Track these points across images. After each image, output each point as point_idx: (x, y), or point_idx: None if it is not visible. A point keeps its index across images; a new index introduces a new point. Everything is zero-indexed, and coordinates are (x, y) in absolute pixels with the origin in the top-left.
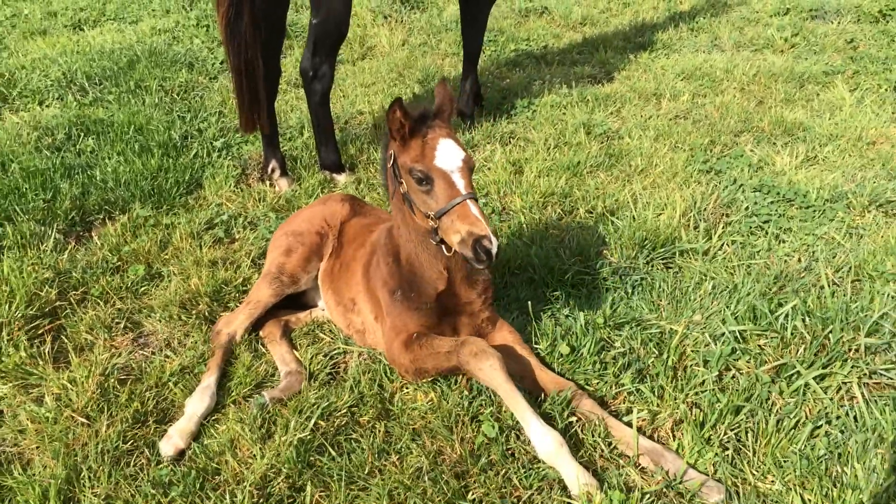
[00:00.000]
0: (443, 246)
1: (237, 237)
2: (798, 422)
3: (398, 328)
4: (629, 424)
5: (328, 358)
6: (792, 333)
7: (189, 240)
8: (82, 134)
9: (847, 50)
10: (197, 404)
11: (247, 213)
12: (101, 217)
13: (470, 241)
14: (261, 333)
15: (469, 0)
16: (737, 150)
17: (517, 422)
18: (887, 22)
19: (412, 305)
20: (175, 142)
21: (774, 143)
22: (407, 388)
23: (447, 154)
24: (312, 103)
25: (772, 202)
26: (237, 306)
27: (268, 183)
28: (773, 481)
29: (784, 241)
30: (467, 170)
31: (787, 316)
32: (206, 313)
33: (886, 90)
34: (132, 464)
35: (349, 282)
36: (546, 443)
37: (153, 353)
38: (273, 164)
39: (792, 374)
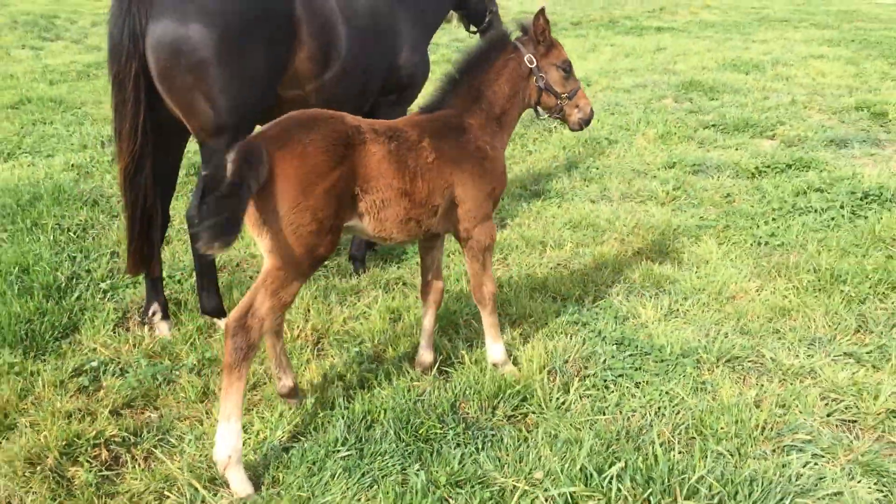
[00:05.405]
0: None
1: (104, 385)
2: None
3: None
4: None
5: None
6: (616, 496)
7: (52, 388)
8: None
9: (723, 204)
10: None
11: (119, 359)
12: None
13: (588, 110)
14: None
15: None
16: (606, 302)
17: None
18: (762, 178)
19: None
20: (59, 283)
21: (643, 296)
22: None
23: None
24: (196, 248)
25: (630, 355)
26: (88, 462)
27: (146, 326)
28: None
29: (634, 397)
30: None
31: (617, 477)
32: (53, 467)
33: (751, 245)
34: None
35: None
36: None
37: None
38: (155, 306)
39: None
